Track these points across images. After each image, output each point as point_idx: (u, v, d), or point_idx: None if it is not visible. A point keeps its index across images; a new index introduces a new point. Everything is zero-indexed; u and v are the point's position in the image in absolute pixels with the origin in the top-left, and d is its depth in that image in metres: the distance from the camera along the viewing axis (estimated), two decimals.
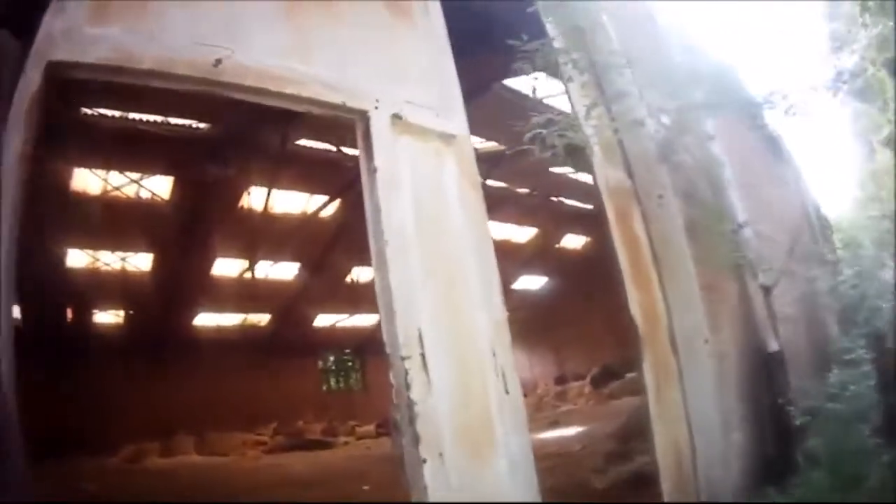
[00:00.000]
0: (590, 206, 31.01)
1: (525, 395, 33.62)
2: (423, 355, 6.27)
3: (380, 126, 6.93)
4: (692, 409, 8.96)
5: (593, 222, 35.71)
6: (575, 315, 44.84)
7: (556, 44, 9.69)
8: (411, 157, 7.17)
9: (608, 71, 10.39)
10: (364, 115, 6.94)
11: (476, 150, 22.00)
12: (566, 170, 26.91)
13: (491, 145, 24.73)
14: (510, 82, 19.78)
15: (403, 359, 6.12)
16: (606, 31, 10.68)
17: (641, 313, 9.16)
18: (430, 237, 7.00)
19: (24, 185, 5.18)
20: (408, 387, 6.05)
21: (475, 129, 8.51)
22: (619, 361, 34.81)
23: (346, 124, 7.07)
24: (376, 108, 6.97)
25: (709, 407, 8.94)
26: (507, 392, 6.99)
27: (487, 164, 25.00)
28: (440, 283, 6.90)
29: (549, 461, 14.56)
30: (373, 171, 6.77)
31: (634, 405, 26.04)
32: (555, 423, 25.03)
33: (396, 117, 7.07)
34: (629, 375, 31.62)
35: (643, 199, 9.99)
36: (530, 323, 45.37)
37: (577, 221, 37.64)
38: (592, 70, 10.36)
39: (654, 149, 9.93)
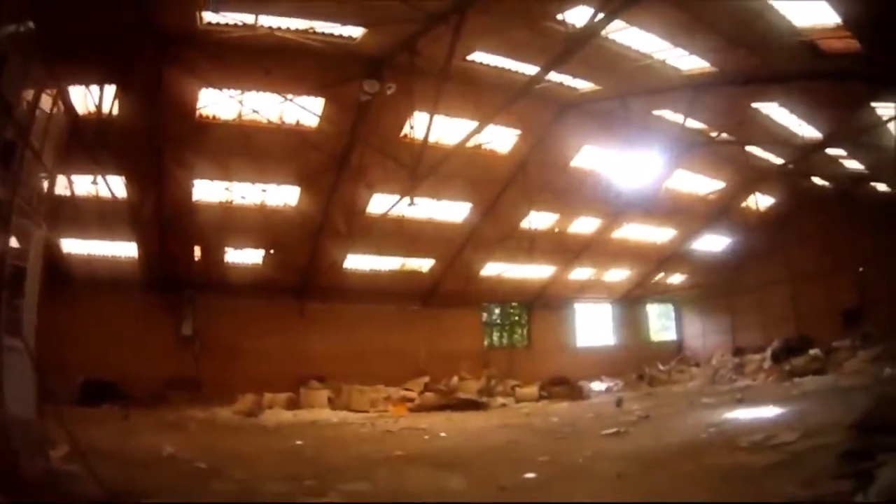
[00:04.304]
0: (781, 161, 29.47)
1: (698, 366, 30.87)
2: None
3: None
4: None
5: (782, 182, 33.59)
6: (754, 283, 42.54)
7: None
8: None
9: None
10: None
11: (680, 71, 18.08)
12: (770, 105, 23.89)
13: (702, 66, 21.39)
14: None
15: None
16: None
17: None
18: None
19: None
20: None
21: None
22: (799, 336, 33.57)
23: None
24: None
25: None
26: None
27: (693, 90, 22.70)
28: None
29: (764, 455, 11.74)
30: None
31: (825, 385, 23.14)
32: (741, 401, 21.74)
33: None
34: (813, 352, 29.64)
35: None
36: (708, 287, 43.15)
37: (766, 179, 34.62)
38: None
39: None
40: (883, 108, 21.70)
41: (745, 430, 14.62)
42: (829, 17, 16.35)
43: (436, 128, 22.46)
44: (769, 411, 17.66)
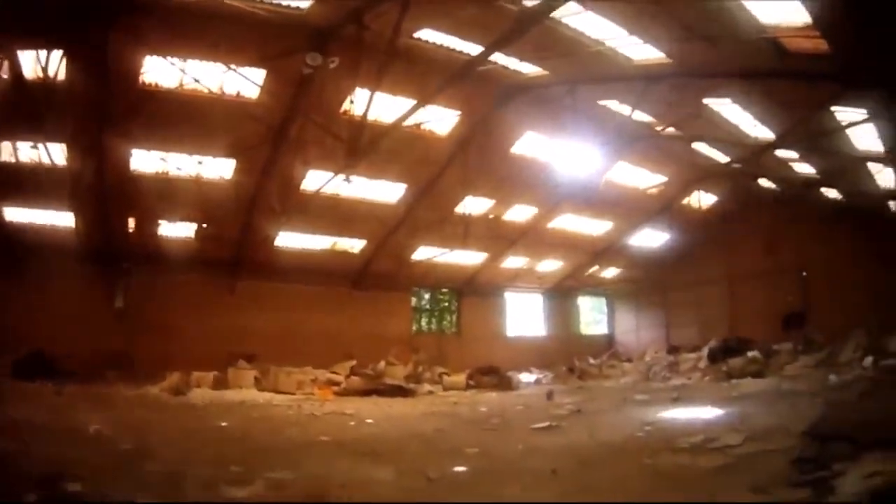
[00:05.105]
0: (727, 159, 29.45)
1: (630, 361, 30.59)
2: None
3: None
4: None
5: (727, 181, 33.69)
6: (691, 281, 42.98)
7: None
8: None
9: None
10: None
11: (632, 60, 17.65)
12: (723, 102, 23.62)
13: (656, 57, 20.96)
14: None
15: None
16: None
17: None
18: None
19: None
20: None
21: None
22: (738, 337, 33.09)
23: None
24: None
25: None
26: None
27: (644, 81, 22.24)
28: None
29: (707, 457, 11.19)
30: None
31: (766, 388, 22.86)
32: (677, 400, 21.40)
33: None
34: (751, 353, 29.22)
35: None
36: (643, 283, 43.37)
37: (711, 177, 35.34)
38: None
39: None
40: (843, 113, 21.46)
41: (684, 430, 14.17)
42: (798, 16, 15.93)
43: (377, 106, 22.05)
44: (708, 412, 17.26)
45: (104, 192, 26.07)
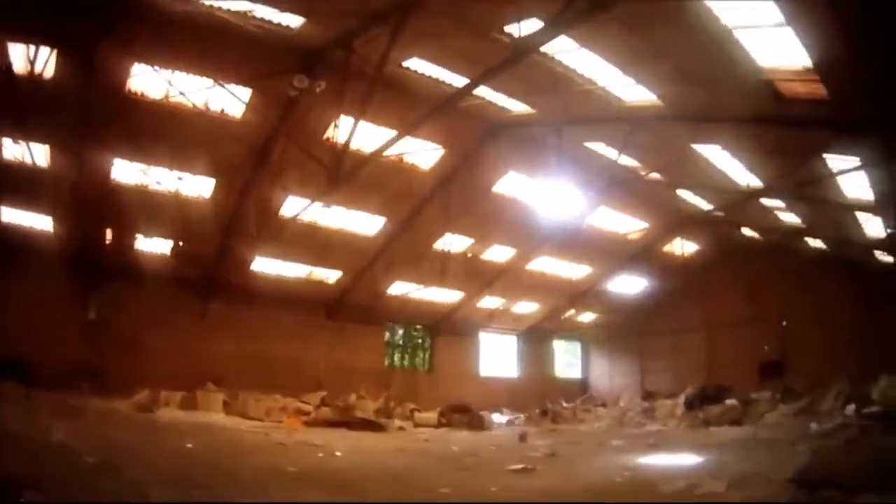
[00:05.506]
0: (709, 207, 29.52)
1: (604, 406, 30.08)
2: None
3: None
4: None
5: (708, 229, 33.55)
6: (668, 327, 42.78)
7: None
8: None
9: None
10: None
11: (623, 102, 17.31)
12: (710, 148, 23.28)
13: (648, 99, 20.46)
14: None
15: None
16: None
17: None
18: None
19: None
20: None
21: None
22: (715, 385, 32.66)
23: None
24: None
25: None
26: None
27: (632, 124, 22.08)
28: None
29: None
30: None
31: (744, 436, 22.50)
32: (654, 446, 20.99)
33: None
34: (729, 401, 28.75)
35: None
36: (619, 328, 43.14)
37: (692, 225, 35.24)
38: None
39: None
40: (834, 160, 21.14)
41: (664, 476, 13.76)
42: (798, 59, 15.51)
43: (360, 134, 21.92)
44: (686, 458, 16.89)
45: (83, 199, 25.52)
